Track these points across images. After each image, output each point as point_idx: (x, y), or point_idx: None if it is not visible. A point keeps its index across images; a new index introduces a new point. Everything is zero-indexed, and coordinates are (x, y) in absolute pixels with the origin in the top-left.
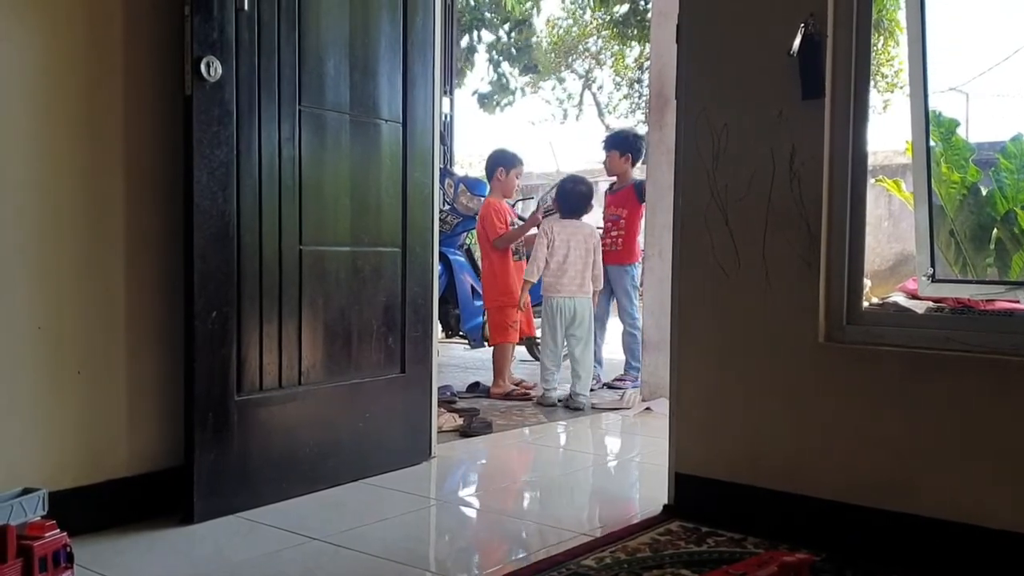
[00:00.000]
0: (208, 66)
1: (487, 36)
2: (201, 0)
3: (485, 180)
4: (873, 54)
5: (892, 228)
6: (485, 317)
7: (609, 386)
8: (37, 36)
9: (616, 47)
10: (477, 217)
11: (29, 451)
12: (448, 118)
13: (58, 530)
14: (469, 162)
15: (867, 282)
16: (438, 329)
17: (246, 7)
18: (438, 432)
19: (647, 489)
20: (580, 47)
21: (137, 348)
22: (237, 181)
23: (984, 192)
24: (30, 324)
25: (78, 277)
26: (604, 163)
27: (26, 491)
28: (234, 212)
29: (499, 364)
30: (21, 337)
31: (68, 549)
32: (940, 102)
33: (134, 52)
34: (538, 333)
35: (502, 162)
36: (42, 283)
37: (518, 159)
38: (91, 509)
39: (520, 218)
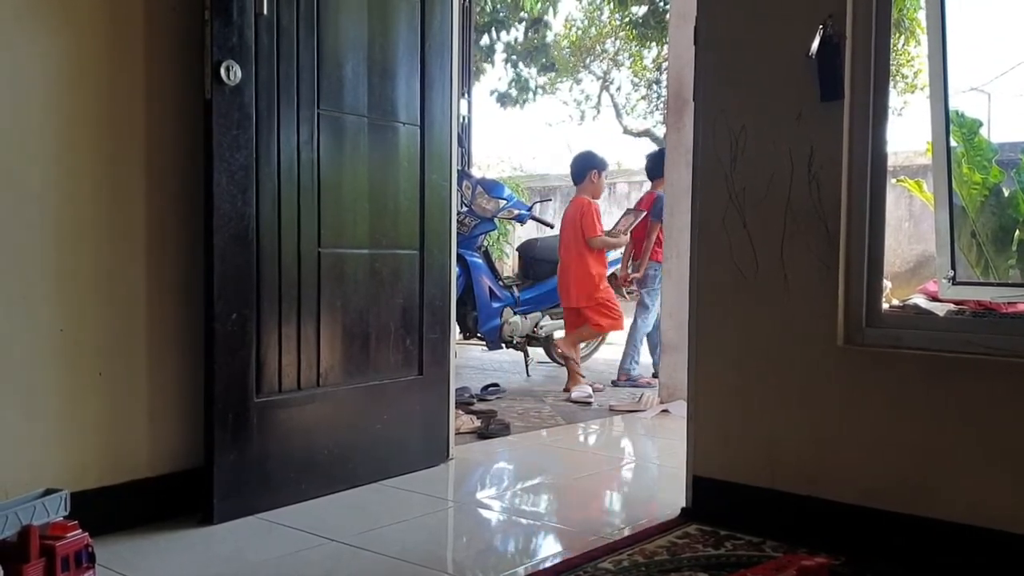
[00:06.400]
0: (228, 70)
1: (504, 35)
2: (220, 5)
3: (502, 182)
4: (893, 55)
5: (913, 229)
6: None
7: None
8: (60, 41)
9: (634, 48)
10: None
11: (51, 452)
12: (466, 120)
13: (80, 530)
14: (487, 164)
15: (887, 284)
16: (456, 331)
17: (265, 11)
18: (456, 434)
19: (665, 492)
20: (598, 48)
21: (158, 350)
22: (256, 184)
23: (1006, 193)
24: (52, 326)
25: (99, 279)
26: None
27: (48, 491)
28: (253, 215)
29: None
30: (43, 339)
31: (90, 549)
32: (962, 102)
33: (154, 57)
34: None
35: (595, 165)
36: (64, 286)
37: (607, 162)
38: (112, 509)
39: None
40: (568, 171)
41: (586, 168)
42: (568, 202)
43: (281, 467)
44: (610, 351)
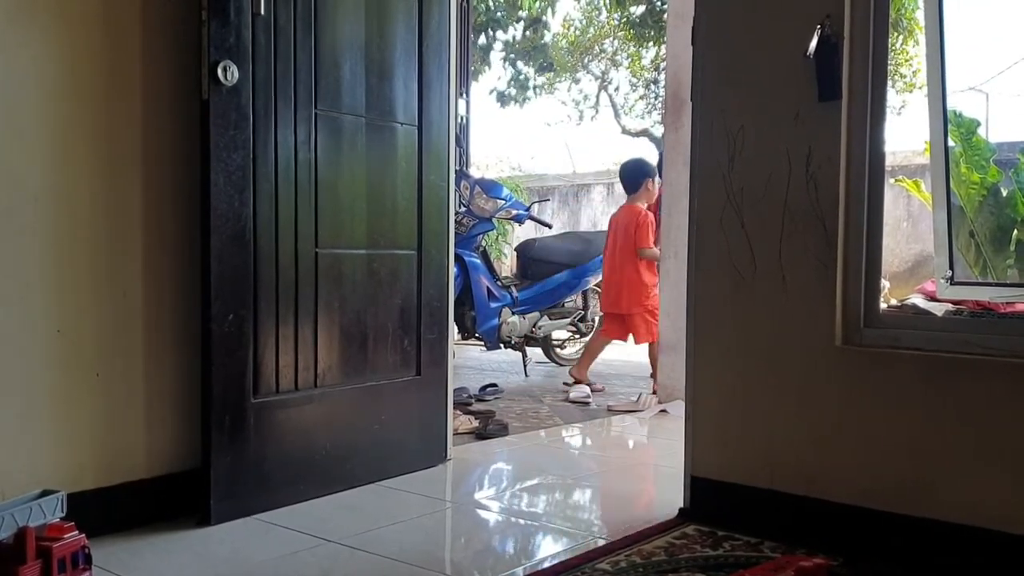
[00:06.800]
0: (225, 70)
1: (501, 35)
2: (218, 5)
3: (501, 182)
4: (891, 54)
5: (911, 229)
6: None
7: None
8: (55, 44)
9: (632, 48)
10: (615, 226)
11: (48, 453)
12: (464, 120)
13: (77, 532)
14: (486, 164)
15: (886, 284)
16: (454, 331)
17: (262, 12)
18: (454, 434)
19: (663, 492)
20: (596, 48)
21: (155, 351)
22: (254, 184)
23: (1004, 193)
24: (49, 327)
25: (96, 280)
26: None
27: (45, 493)
28: (250, 215)
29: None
30: (40, 340)
31: (86, 551)
32: (960, 101)
33: (151, 57)
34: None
35: (650, 172)
36: (61, 287)
37: (655, 168)
38: (109, 511)
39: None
40: (566, 172)
41: (642, 176)
42: (564, 202)
43: (279, 468)
44: (609, 351)
